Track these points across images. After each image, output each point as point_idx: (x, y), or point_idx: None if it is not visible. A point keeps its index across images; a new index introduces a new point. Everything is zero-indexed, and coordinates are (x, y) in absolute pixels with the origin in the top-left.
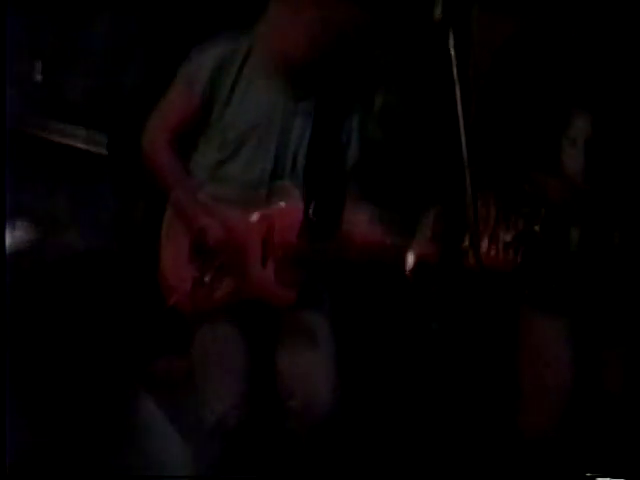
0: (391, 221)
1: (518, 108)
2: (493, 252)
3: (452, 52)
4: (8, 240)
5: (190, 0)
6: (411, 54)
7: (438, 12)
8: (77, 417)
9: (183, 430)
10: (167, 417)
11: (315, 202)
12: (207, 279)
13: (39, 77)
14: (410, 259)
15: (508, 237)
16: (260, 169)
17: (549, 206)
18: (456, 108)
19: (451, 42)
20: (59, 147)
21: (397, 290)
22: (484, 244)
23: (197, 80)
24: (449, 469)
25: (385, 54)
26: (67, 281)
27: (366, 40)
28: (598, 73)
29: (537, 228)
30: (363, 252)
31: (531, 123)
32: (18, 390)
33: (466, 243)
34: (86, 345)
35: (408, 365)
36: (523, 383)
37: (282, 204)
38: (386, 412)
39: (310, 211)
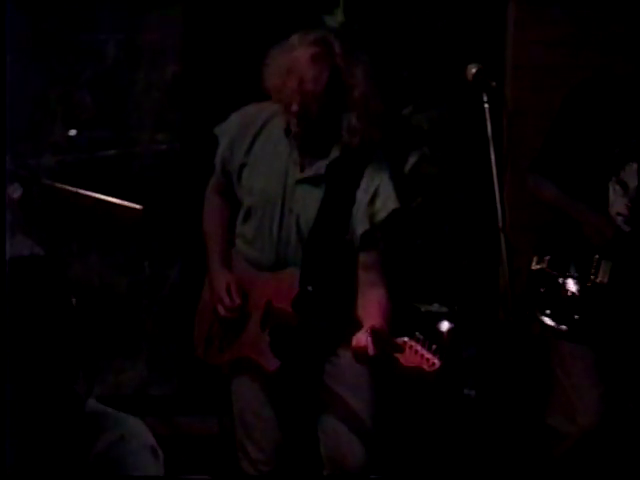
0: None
1: (579, 146)
2: None
3: (486, 110)
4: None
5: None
6: (445, 113)
7: (472, 72)
8: None
9: None
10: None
11: (315, 274)
12: (216, 340)
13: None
14: (445, 326)
15: None
16: (268, 236)
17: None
18: (491, 167)
19: (485, 101)
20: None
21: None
22: None
23: (221, 139)
24: None
25: (418, 111)
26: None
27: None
28: None
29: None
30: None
31: (585, 162)
32: None
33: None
34: None
35: (440, 433)
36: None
37: (285, 271)
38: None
39: (309, 286)
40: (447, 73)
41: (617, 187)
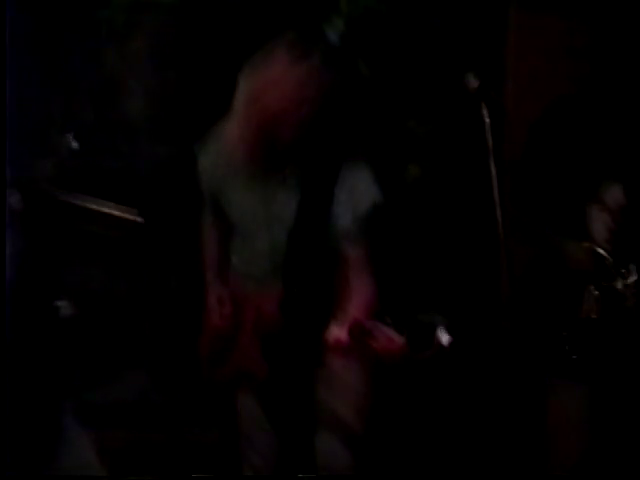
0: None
1: (551, 176)
2: None
3: (486, 122)
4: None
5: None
6: (445, 124)
7: (472, 83)
8: None
9: None
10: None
11: (298, 276)
12: (216, 356)
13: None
14: (444, 337)
15: None
16: (259, 250)
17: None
18: (491, 179)
19: (485, 112)
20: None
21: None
22: None
23: (201, 157)
24: None
25: (420, 124)
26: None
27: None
28: (630, 143)
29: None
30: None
31: (562, 189)
32: None
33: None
34: None
35: (442, 443)
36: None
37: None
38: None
39: (293, 290)
40: (446, 84)
41: (595, 209)
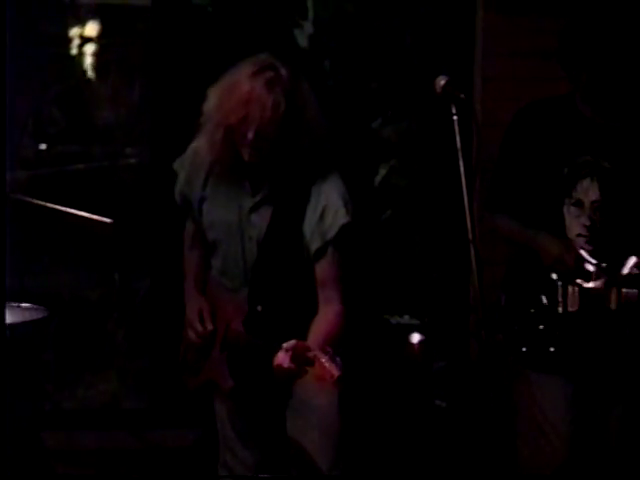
0: None
1: (526, 174)
2: None
3: (455, 123)
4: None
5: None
6: (414, 125)
7: (441, 84)
8: None
9: None
10: None
11: (264, 294)
12: (191, 364)
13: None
14: (416, 337)
15: None
16: (235, 267)
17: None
18: (460, 179)
19: (454, 113)
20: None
21: (401, 368)
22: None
23: (179, 174)
24: None
25: (387, 124)
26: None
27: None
28: (603, 139)
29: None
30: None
31: (536, 188)
32: None
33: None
34: None
35: (412, 442)
36: (521, 451)
37: (243, 292)
38: None
39: (258, 306)
40: (416, 85)
41: (572, 208)
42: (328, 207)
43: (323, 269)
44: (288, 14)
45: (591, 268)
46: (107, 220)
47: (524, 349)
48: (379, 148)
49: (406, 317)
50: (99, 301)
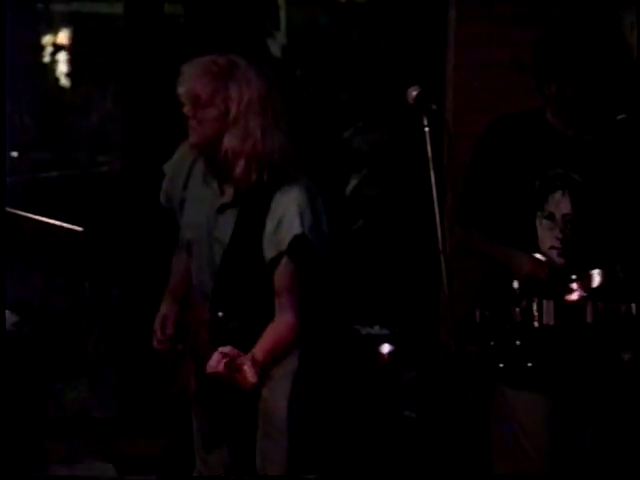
0: None
1: (497, 188)
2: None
3: (427, 133)
4: None
5: None
6: (385, 135)
7: (412, 95)
8: None
9: None
10: None
11: (225, 300)
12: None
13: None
14: (386, 348)
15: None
16: (205, 267)
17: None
18: (431, 190)
19: (425, 124)
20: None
21: (371, 378)
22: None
23: (165, 178)
24: None
25: (358, 134)
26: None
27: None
28: (574, 152)
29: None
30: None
31: (507, 201)
32: None
33: None
34: None
35: (381, 453)
36: (497, 465)
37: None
38: None
39: (219, 312)
40: (387, 95)
41: (544, 221)
42: (284, 217)
43: (277, 279)
44: (260, 24)
45: (565, 281)
46: (78, 228)
47: (501, 365)
48: (350, 158)
49: (376, 327)
50: (69, 309)
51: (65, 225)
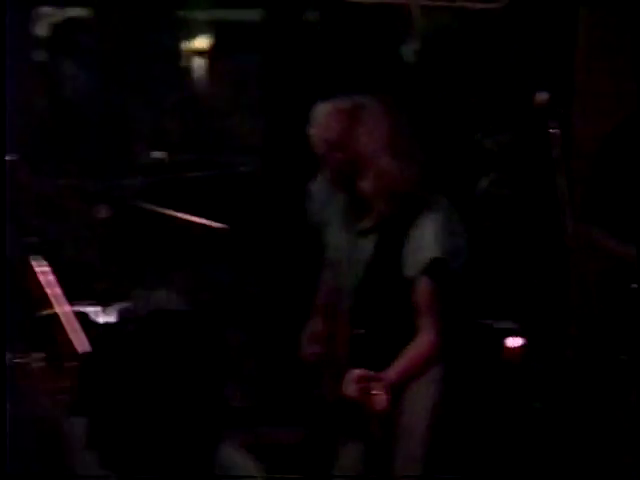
0: None
1: (622, 188)
2: None
3: (555, 136)
4: None
5: None
6: (514, 137)
7: (541, 98)
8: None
9: None
10: None
11: (364, 318)
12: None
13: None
14: (514, 341)
15: None
16: (347, 289)
17: None
18: (557, 193)
19: (553, 127)
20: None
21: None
22: None
23: (313, 196)
24: None
25: (488, 136)
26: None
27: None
28: None
29: None
30: None
31: (632, 201)
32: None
33: None
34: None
35: (509, 445)
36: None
37: None
38: None
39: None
40: (517, 99)
41: None
42: (423, 240)
43: (418, 299)
44: (394, 31)
45: None
46: (221, 226)
47: None
48: (481, 159)
49: (506, 322)
50: (211, 303)
51: (208, 223)
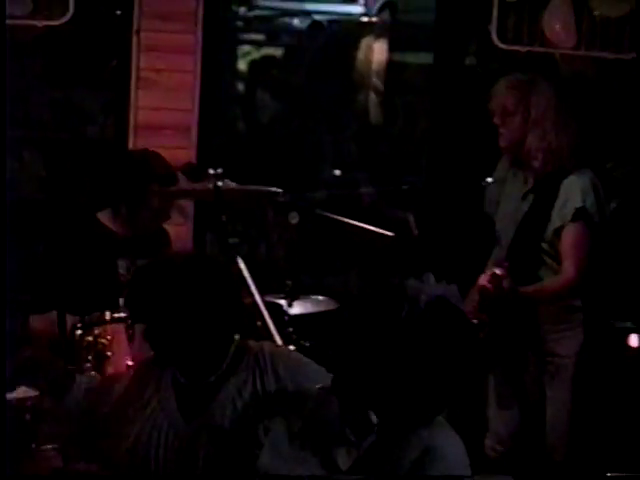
0: None
1: None
2: None
3: None
4: None
5: None
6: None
7: None
8: None
9: None
10: None
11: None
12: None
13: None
14: (635, 340)
15: None
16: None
17: None
18: None
19: None
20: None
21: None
22: None
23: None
24: None
25: (618, 166)
26: None
27: None
28: None
29: None
30: None
31: None
32: None
33: None
34: None
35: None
36: None
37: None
38: None
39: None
40: None
41: None
42: (569, 196)
43: (563, 243)
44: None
45: None
46: (388, 233)
47: None
48: (610, 185)
49: (629, 323)
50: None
51: (377, 230)
